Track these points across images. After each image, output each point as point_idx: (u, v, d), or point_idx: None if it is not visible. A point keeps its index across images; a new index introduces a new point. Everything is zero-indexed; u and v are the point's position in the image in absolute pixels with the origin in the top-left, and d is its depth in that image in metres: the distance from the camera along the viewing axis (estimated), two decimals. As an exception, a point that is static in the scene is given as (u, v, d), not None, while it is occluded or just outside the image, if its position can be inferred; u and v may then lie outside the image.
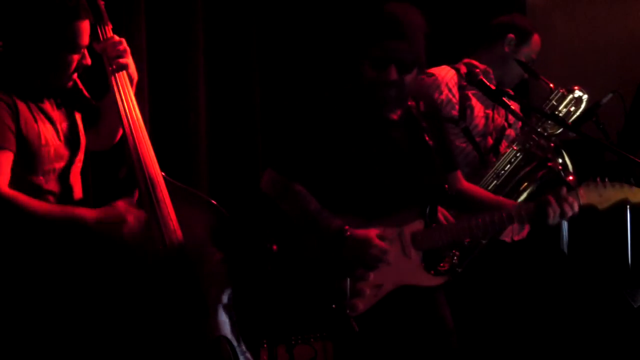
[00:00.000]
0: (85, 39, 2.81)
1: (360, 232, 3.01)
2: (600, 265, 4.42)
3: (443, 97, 3.81)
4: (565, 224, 4.30)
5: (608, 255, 4.36)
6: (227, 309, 3.00)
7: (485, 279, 3.84)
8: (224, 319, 2.98)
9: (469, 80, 3.27)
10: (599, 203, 3.14)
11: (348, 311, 2.96)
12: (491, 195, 3.41)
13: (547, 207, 3.06)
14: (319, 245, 3.04)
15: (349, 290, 2.98)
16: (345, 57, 3.19)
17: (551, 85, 3.93)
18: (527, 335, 4.27)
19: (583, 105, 3.91)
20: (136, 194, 2.89)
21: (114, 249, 2.79)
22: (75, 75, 2.87)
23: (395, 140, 3.15)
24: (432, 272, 3.09)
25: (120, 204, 2.82)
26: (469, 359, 3.50)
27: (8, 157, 2.72)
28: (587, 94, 3.92)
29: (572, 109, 3.92)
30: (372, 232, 3.01)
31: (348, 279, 3.00)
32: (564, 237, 4.32)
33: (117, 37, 2.98)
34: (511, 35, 3.97)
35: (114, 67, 2.95)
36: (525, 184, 3.85)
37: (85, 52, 2.84)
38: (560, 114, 3.89)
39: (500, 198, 3.40)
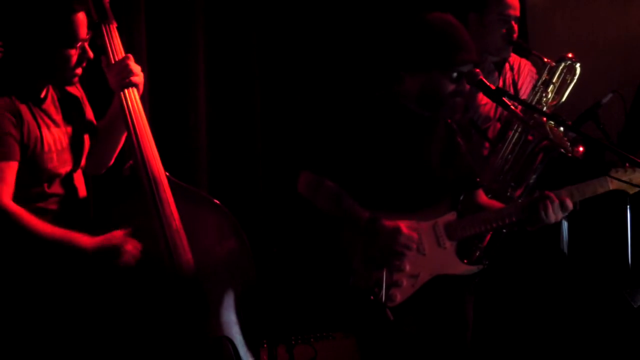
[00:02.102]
0: (82, 32, 2.78)
1: (390, 222, 3.08)
2: (600, 265, 4.42)
3: None
4: (565, 224, 4.30)
5: (608, 255, 4.35)
6: (231, 309, 3.00)
7: (484, 278, 3.84)
8: (227, 319, 2.98)
9: (468, 81, 3.27)
10: (628, 188, 3.22)
11: (385, 301, 2.99)
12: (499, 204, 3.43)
13: (540, 204, 3.16)
14: (353, 237, 3.11)
15: (384, 281, 3.02)
16: (386, 66, 3.27)
17: (545, 59, 3.92)
18: (527, 335, 4.27)
19: (578, 72, 3.88)
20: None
21: (111, 273, 2.80)
22: (79, 70, 2.85)
23: (427, 138, 3.25)
24: (466, 260, 3.22)
25: (118, 234, 2.80)
26: (473, 357, 3.51)
27: (12, 168, 2.70)
28: (580, 65, 3.88)
29: (567, 77, 3.90)
30: (402, 223, 3.08)
31: (384, 270, 3.05)
32: (564, 237, 4.32)
33: (129, 61, 2.96)
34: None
35: (125, 82, 2.95)
36: (529, 169, 3.85)
37: (86, 45, 2.82)
38: (556, 86, 3.88)
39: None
